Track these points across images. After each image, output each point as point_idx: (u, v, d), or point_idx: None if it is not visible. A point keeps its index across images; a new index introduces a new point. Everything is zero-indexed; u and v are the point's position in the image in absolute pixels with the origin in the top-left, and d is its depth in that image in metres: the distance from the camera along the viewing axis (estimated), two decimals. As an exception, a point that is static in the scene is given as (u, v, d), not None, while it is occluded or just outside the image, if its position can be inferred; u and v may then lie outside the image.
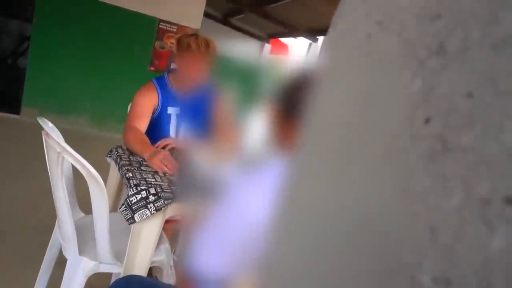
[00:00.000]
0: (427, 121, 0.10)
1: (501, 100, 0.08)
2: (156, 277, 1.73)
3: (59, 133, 1.29)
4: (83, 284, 1.15)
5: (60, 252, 1.29)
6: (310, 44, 7.19)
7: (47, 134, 1.06)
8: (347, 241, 0.13)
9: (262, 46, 7.97)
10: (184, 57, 1.51)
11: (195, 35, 1.57)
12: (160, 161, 1.32)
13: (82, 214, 1.43)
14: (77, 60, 3.95)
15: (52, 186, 1.15)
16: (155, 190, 1.15)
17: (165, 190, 1.18)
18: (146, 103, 1.56)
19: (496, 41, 0.08)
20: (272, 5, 5.25)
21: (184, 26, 4.18)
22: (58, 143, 1.03)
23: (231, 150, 1.34)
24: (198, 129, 1.70)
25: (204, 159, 1.48)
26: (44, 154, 1.17)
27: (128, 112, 1.59)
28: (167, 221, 1.26)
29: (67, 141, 1.23)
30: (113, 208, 1.58)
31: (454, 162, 0.08)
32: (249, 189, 0.71)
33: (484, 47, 0.08)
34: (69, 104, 4.05)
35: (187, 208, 1.19)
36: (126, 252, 1.15)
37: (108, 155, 1.54)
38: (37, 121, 1.18)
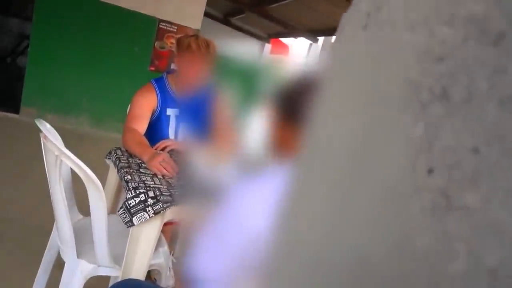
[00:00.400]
0: (430, 171, 0.09)
1: (509, 161, 0.07)
2: (155, 279, 1.73)
3: (58, 134, 1.29)
4: (81, 288, 1.15)
5: (59, 254, 1.29)
6: (311, 44, 7.18)
7: (45, 137, 1.05)
8: (345, 282, 0.13)
9: (263, 46, 7.96)
10: (184, 58, 1.51)
11: (195, 36, 1.56)
12: (159, 163, 1.31)
13: (81, 216, 1.42)
14: (76, 60, 3.94)
15: (50, 189, 1.14)
16: (154, 193, 1.14)
17: (164, 193, 1.17)
18: (145, 105, 1.55)
19: (504, 96, 0.08)
20: (273, 5, 5.24)
21: (185, 26, 4.17)
22: (56, 145, 1.02)
23: (230, 153, 1.34)
24: (197, 130, 1.70)
25: (203, 161, 1.48)
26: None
27: (127, 114, 1.58)
28: (166, 223, 1.25)
29: (66, 140, 1.22)
30: (112, 210, 1.58)
31: (458, 222, 0.08)
32: (247, 193, 0.70)
33: (491, 100, 0.08)
34: (69, 104, 4.05)
35: (186, 211, 1.18)
36: (125, 256, 1.15)
37: (107, 156, 1.53)
38: (37, 118, 1.17)
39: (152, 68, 4.19)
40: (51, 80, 3.92)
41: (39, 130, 1.13)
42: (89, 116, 4.15)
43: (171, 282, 1.75)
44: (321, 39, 6.78)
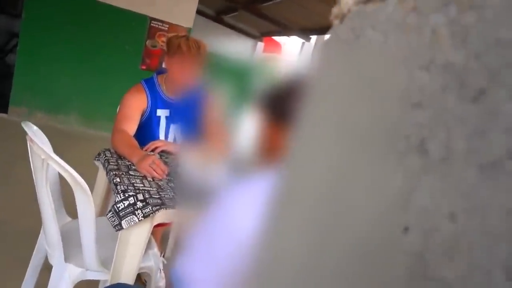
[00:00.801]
0: (406, 230, 0.08)
1: (489, 236, 0.07)
2: (145, 281, 1.72)
3: (45, 136, 1.26)
4: (69, 292, 1.13)
5: (47, 257, 1.27)
6: (303, 43, 7.19)
7: (31, 140, 1.03)
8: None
9: (255, 45, 7.94)
10: (174, 59, 1.49)
11: (185, 36, 1.54)
12: (148, 165, 1.30)
13: (69, 219, 1.40)
14: (66, 58, 3.88)
15: (37, 192, 1.12)
16: (143, 196, 1.13)
17: (153, 196, 1.16)
18: (135, 105, 1.54)
19: (484, 163, 0.07)
20: (266, 4, 5.23)
21: (176, 24, 4.14)
22: (42, 149, 1.00)
23: (221, 154, 1.33)
24: (188, 132, 1.69)
25: (194, 162, 1.47)
26: (30, 157, 1.14)
27: (116, 115, 1.56)
28: (156, 225, 1.24)
29: (55, 140, 1.20)
30: (101, 212, 1.56)
31: (435, 295, 0.07)
32: (236, 196, 0.69)
33: (469, 164, 0.07)
34: (59, 103, 3.99)
35: (176, 214, 1.17)
36: (113, 259, 1.13)
37: (96, 158, 1.51)
38: (26, 119, 1.15)
39: (143, 67, 4.15)
40: (41, 79, 3.86)
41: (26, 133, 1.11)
42: (79, 115, 4.10)
43: (161, 283, 1.74)
44: (313, 38, 6.79)
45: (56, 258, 1.14)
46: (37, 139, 1.05)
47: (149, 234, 1.17)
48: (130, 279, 1.14)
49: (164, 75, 1.61)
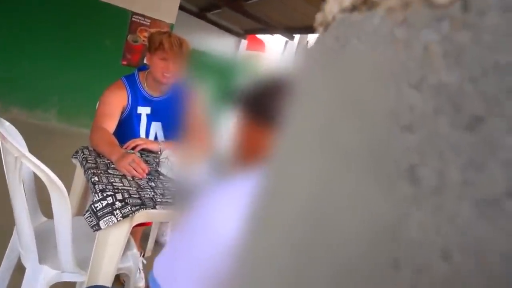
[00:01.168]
0: (396, 263, 0.08)
1: (485, 279, 0.06)
2: (124, 281, 1.69)
3: (18, 133, 1.22)
4: (44, 295, 1.10)
5: (19, 258, 1.22)
6: (287, 42, 7.20)
7: (4, 138, 0.99)
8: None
9: (239, 42, 7.90)
10: (156, 56, 1.47)
11: (167, 33, 1.52)
12: (128, 164, 1.27)
13: (44, 219, 1.36)
14: (45, 52, 3.76)
15: (10, 191, 1.08)
16: (122, 196, 1.10)
17: (132, 195, 1.13)
18: (115, 102, 1.50)
19: (481, 198, 0.06)
20: (249, 1, 5.21)
21: (158, 20, 4.07)
22: (15, 147, 0.96)
23: (203, 153, 1.31)
24: (169, 130, 1.66)
25: (175, 161, 1.45)
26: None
27: (96, 112, 1.52)
28: (136, 224, 1.22)
29: (32, 136, 1.16)
30: (78, 212, 1.52)
31: None
32: (216, 196, 0.68)
33: (464, 198, 0.07)
34: (36, 97, 3.86)
35: (156, 214, 1.15)
36: (91, 261, 1.10)
37: (74, 156, 1.47)
38: (1, 112, 1.10)
39: (124, 62, 4.06)
40: (17, 73, 3.73)
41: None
42: (57, 111, 3.98)
43: (141, 283, 1.71)
44: (297, 36, 6.81)
45: (30, 260, 1.10)
46: (10, 136, 1.01)
47: (128, 235, 1.15)
48: (108, 281, 1.12)
49: (146, 71, 1.58)
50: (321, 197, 0.12)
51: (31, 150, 1.11)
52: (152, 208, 1.11)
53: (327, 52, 0.13)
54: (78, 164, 1.48)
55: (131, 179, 1.25)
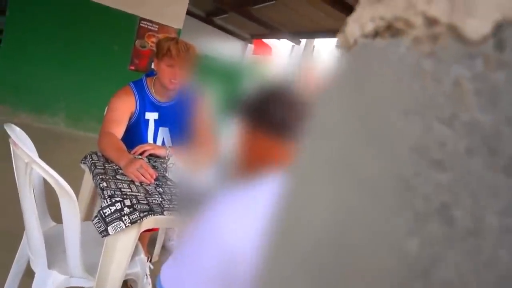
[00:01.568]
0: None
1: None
2: (131, 286, 1.69)
3: (29, 139, 1.23)
4: (52, 300, 1.10)
5: (29, 262, 1.23)
6: (293, 46, 7.22)
7: (15, 143, 1.00)
8: None
9: (245, 46, 7.94)
10: (163, 62, 1.48)
11: (175, 39, 1.53)
12: (136, 170, 1.27)
13: (53, 223, 1.37)
14: (53, 57, 3.81)
15: (20, 197, 1.09)
16: (131, 201, 1.11)
17: (141, 201, 1.14)
18: (123, 108, 1.51)
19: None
20: (256, 6, 5.23)
21: (166, 25, 4.10)
22: (26, 153, 0.97)
23: (210, 158, 1.31)
24: (177, 135, 1.67)
25: (183, 167, 1.45)
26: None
27: (104, 117, 1.53)
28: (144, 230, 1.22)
29: (41, 140, 1.16)
30: (86, 217, 1.53)
31: None
32: (222, 205, 0.68)
33: (503, 245, 0.06)
34: (44, 102, 3.91)
35: (164, 220, 1.15)
36: (99, 266, 1.10)
37: (82, 161, 1.48)
38: (9, 118, 1.11)
39: (132, 67, 4.10)
40: (26, 77, 3.78)
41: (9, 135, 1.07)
42: (65, 115, 4.03)
43: (148, 288, 1.71)
44: (303, 41, 6.82)
45: (39, 264, 1.11)
46: (21, 142, 1.02)
47: (136, 241, 1.15)
48: (116, 286, 1.12)
49: (153, 77, 1.59)
50: (342, 227, 0.11)
51: (40, 155, 1.12)
52: (160, 214, 1.11)
53: (350, 76, 0.12)
54: (86, 170, 1.49)
55: (139, 184, 1.26)
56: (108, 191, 1.14)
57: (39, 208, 1.14)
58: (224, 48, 7.50)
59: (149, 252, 1.92)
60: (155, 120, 1.60)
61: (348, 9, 3.98)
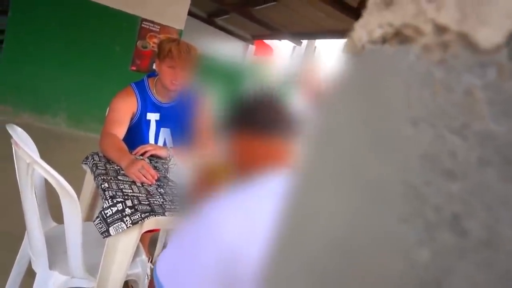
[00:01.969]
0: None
1: None
2: (132, 287, 1.69)
3: (30, 139, 1.23)
4: (53, 300, 1.10)
5: (29, 263, 1.23)
6: (294, 47, 7.22)
7: (16, 144, 1.00)
8: None
9: (246, 47, 7.94)
10: (165, 64, 1.48)
11: (176, 40, 1.53)
12: (137, 170, 1.27)
13: (54, 224, 1.37)
14: (55, 57, 3.81)
15: (21, 197, 1.09)
16: (132, 202, 1.11)
17: (142, 202, 1.14)
18: (124, 109, 1.51)
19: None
20: (257, 7, 5.23)
21: (168, 26, 4.10)
22: (27, 153, 0.97)
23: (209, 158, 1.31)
24: (178, 136, 1.67)
25: (184, 167, 1.45)
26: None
27: (105, 118, 1.53)
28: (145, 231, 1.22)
29: (42, 140, 1.17)
30: (87, 217, 1.53)
31: None
32: (219, 205, 0.68)
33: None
34: (46, 102, 3.92)
35: (165, 221, 1.15)
36: (100, 267, 1.10)
37: (84, 162, 1.48)
38: (11, 118, 1.12)
39: (134, 68, 4.10)
40: (27, 77, 3.78)
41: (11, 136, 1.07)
42: (66, 115, 4.03)
43: (149, 289, 1.71)
44: (304, 42, 6.83)
45: (41, 265, 1.11)
46: (22, 142, 1.02)
47: (138, 241, 1.15)
48: (117, 287, 1.12)
49: (155, 78, 1.59)
50: (349, 232, 0.11)
51: (41, 155, 1.12)
52: (161, 215, 1.11)
53: (357, 81, 0.12)
54: (88, 170, 1.49)
55: (141, 185, 1.26)
56: (110, 191, 1.14)
57: (40, 208, 1.15)
58: (225, 48, 7.51)
59: (150, 253, 1.92)
60: (156, 121, 1.61)
61: (349, 10, 3.98)
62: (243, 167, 0.69)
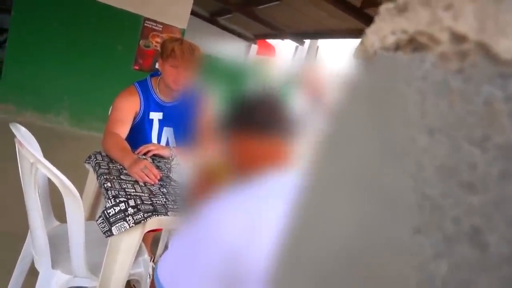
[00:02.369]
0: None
1: None
2: (134, 286, 1.69)
3: (34, 138, 1.23)
4: (56, 299, 1.11)
5: (32, 262, 1.24)
6: (297, 46, 7.21)
7: (20, 143, 1.00)
8: None
9: (249, 47, 7.94)
10: (168, 63, 1.48)
11: (180, 40, 1.53)
12: (140, 170, 1.28)
13: (57, 223, 1.37)
14: (57, 56, 3.82)
15: (25, 197, 1.09)
16: (135, 202, 1.11)
17: (145, 202, 1.14)
18: (127, 108, 1.51)
19: None
20: (260, 7, 5.23)
21: (170, 25, 4.10)
22: (31, 153, 0.98)
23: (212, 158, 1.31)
24: (181, 135, 1.67)
25: (186, 167, 1.45)
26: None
27: (108, 117, 1.54)
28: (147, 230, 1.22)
29: (45, 139, 1.17)
30: (90, 216, 1.53)
31: None
32: (221, 203, 0.68)
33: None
34: (48, 101, 3.93)
35: (168, 220, 1.15)
36: (102, 266, 1.11)
37: (87, 161, 1.48)
38: (13, 116, 1.12)
39: (136, 67, 4.11)
40: (30, 76, 3.79)
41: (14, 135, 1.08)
42: (69, 114, 4.04)
43: (151, 288, 1.71)
44: (307, 41, 6.82)
45: (43, 264, 1.11)
46: (26, 142, 1.03)
47: (140, 241, 1.15)
48: (119, 287, 1.12)
49: (158, 77, 1.59)
50: (361, 240, 0.11)
51: (44, 154, 1.12)
52: (164, 215, 1.12)
53: (369, 88, 0.12)
54: (90, 169, 1.49)
55: (143, 185, 1.26)
56: (112, 191, 1.14)
57: (43, 207, 1.15)
58: (228, 48, 7.51)
59: (153, 253, 1.92)
60: (159, 120, 1.61)
61: (352, 9, 3.97)
62: (245, 167, 0.69)
